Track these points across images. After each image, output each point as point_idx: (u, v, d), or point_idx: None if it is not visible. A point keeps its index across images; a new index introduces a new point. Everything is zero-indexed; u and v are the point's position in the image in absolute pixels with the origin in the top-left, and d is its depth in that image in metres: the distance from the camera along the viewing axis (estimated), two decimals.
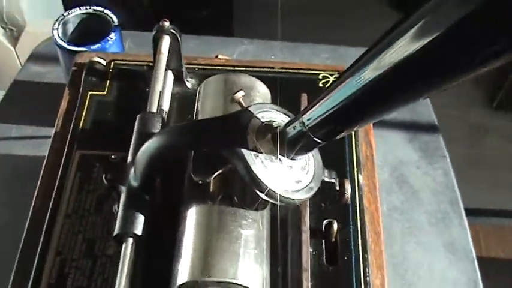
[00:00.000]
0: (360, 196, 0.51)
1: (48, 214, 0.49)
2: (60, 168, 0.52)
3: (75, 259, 0.47)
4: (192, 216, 0.41)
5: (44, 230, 0.48)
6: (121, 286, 0.40)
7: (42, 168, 0.54)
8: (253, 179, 0.38)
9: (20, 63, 1.24)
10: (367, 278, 0.47)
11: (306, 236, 0.43)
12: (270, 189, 0.38)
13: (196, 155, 0.41)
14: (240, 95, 0.41)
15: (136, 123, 0.47)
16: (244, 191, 0.41)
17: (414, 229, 0.74)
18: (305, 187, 0.40)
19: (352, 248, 0.48)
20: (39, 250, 0.47)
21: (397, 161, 0.80)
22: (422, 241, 0.73)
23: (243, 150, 0.38)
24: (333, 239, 0.48)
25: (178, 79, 0.56)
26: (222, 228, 0.40)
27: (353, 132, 0.54)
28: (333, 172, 0.44)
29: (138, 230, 0.42)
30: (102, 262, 0.47)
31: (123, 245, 0.42)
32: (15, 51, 1.24)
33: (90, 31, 0.73)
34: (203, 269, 0.38)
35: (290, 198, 0.39)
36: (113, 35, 0.70)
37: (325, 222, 0.49)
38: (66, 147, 0.53)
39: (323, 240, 0.48)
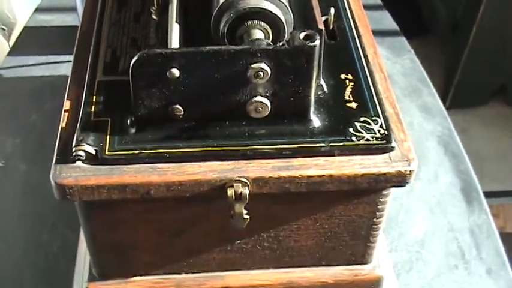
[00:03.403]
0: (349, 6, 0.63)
1: (95, 25, 0.59)
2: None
3: (123, 48, 0.57)
4: None
5: (93, 34, 0.58)
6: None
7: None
8: None
9: None
10: (363, 44, 0.58)
11: None
12: None
13: None
14: None
15: None
16: None
17: None
18: None
19: (347, 30, 0.60)
20: (92, 44, 0.57)
21: None
22: (401, 106, 0.84)
23: None
24: (331, 27, 0.60)
25: None
26: None
27: None
28: None
29: None
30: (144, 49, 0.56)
31: None
32: (9, 45, 1.34)
33: None
34: None
35: None
36: None
37: (323, 18, 0.60)
38: None
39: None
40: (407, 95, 0.86)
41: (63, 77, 0.87)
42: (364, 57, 0.57)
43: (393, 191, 0.53)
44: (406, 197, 0.73)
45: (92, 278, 0.57)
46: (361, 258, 0.58)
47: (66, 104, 0.53)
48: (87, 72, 0.54)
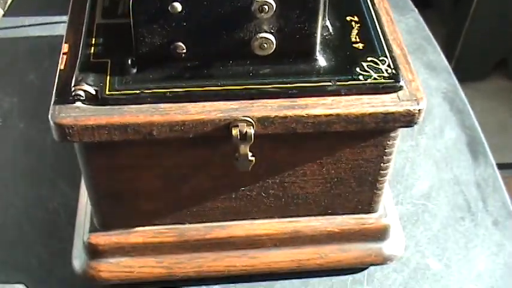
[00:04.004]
0: None
1: None
2: None
3: None
4: None
5: None
6: None
7: None
8: None
9: None
10: None
11: None
12: None
13: None
14: None
15: None
16: None
17: None
18: None
19: None
20: None
21: None
22: None
23: None
24: None
25: None
26: None
27: None
28: None
29: None
30: None
31: None
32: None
33: None
34: None
35: None
36: None
37: None
38: None
39: None
40: (412, 52, 0.84)
41: (60, 37, 0.85)
42: (370, 0, 0.55)
43: (400, 135, 0.52)
44: (411, 151, 0.72)
45: (93, 229, 0.56)
46: (368, 206, 0.57)
47: (65, 47, 0.51)
48: (86, 16, 0.52)
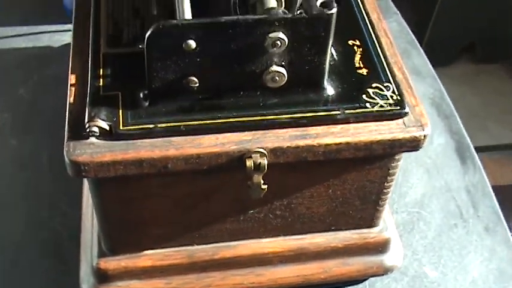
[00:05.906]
0: None
1: None
2: None
3: (125, 19, 0.55)
4: None
5: (91, 5, 0.56)
6: None
7: None
8: None
9: None
10: (366, 9, 0.58)
11: None
12: None
13: None
14: None
15: None
16: None
17: None
18: None
19: None
20: (92, 16, 0.55)
21: None
22: None
23: None
24: None
25: None
26: None
27: None
28: None
29: None
30: (148, 20, 0.55)
31: None
32: None
33: None
34: None
35: None
36: None
37: None
38: None
39: None
40: None
41: (47, 48, 0.84)
42: (369, 22, 0.57)
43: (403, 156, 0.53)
44: (403, 159, 0.73)
45: (101, 254, 0.57)
46: (370, 222, 0.58)
47: (72, 78, 0.51)
48: (90, 45, 0.52)
